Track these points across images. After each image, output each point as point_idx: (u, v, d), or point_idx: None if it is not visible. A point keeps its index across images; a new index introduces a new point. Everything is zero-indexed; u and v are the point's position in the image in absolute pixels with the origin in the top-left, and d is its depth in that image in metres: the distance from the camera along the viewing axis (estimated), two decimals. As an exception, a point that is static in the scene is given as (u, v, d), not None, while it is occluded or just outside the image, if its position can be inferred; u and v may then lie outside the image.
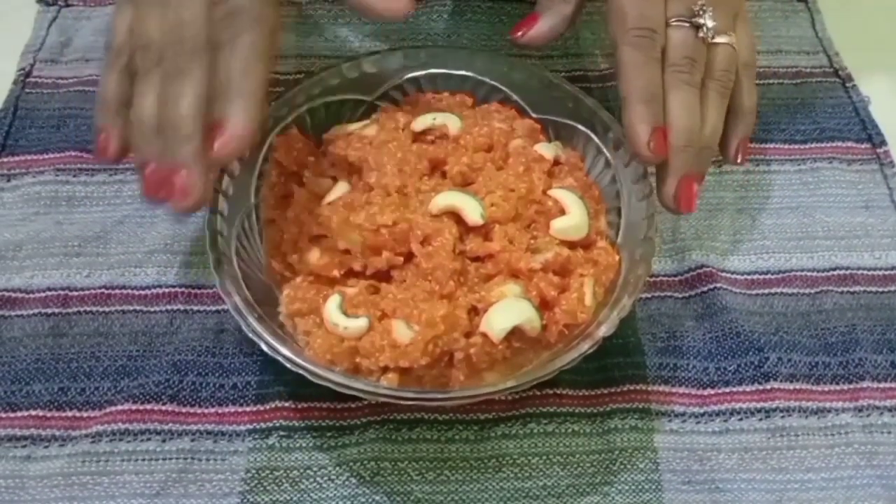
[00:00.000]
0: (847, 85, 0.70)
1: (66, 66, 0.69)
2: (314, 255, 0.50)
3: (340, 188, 0.53)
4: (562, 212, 0.51)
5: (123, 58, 0.48)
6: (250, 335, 0.46)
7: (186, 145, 0.45)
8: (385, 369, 0.47)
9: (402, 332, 0.46)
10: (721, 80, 0.53)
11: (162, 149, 0.46)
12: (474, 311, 0.48)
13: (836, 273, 0.59)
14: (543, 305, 0.48)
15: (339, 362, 0.47)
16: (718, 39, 0.52)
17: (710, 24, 0.52)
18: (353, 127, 0.56)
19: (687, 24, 0.52)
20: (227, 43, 0.46)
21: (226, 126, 0.46)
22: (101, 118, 0.50)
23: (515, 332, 0.47)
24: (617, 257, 0.52)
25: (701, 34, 0.52)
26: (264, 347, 0.46)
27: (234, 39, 0.46)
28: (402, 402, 0.46)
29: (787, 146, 0.66)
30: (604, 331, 0.47)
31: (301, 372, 0.45)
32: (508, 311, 0.47)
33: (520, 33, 0.57)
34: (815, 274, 0.59)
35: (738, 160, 0.55)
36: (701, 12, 0.52)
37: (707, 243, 0.60)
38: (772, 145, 0.66)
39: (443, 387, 0.48)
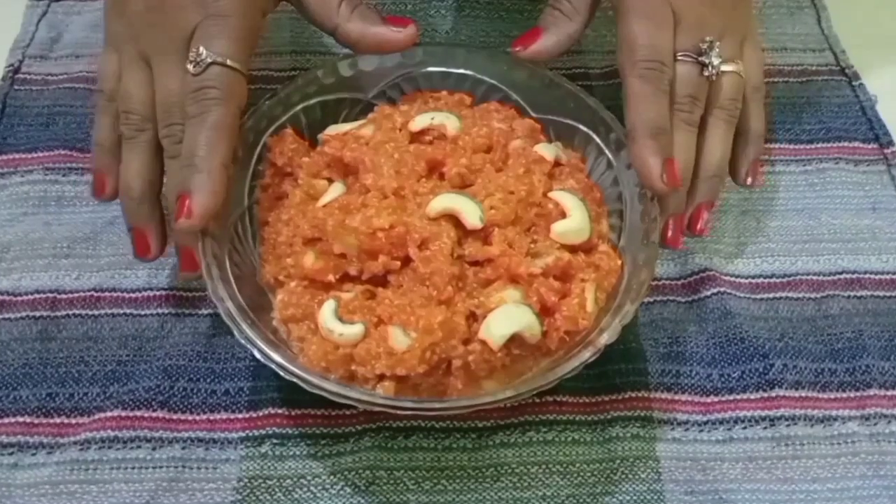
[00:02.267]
0: (854, 83, 0.69)
1: (55, 62, 0.68)
2: (309, 259, 0.49)
3: (336, 190, 0.52)
4: (563, 215, 0.51)
5: (113, 105, 0.52)
6: (243, 342, 0.45)
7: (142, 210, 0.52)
8: (381, 377, 0.46)
9: (398, 338, 0.45)
10: (728, 108, 0.54)
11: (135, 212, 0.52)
12: (473, 318, 0.47)
13: (842, 277, 0.58)
14: (544, 311, 0.48)
15: (334, 370, 0.46)
16: (725, 68, 0.53)
17: (715, 62, 0.53)
18: (349, 127, 0.55)
19: (692, 60, 0.53)
20: (195, 116, 0.49)
21: (189, 200, 0.48)
22: (96, 161, 0.53)
23: (515, 339, 0.47)
24: (619, 261, 0.51)
25: (706, 73, 0.53)
26: (257, 355, 0.45)
27: (203, 114, 0.49)
28: (398, 413, 0.46)
29: (792, 146, 0.65)
30: (606, 339, 0.46)
31: (294, 380, 0.44)
32: (508, 317, 0.46)
33: (519, 48, 0.57)
34: (820, 278, 0.58)
35: (749, 182, 0.57)
36: (707, 50, 0.53)
37: (710, 246, 0.59)
38: (777, 145, 0.65)
39: (440, 395, 0.47)
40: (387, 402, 0.44)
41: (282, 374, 0.45)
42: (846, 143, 0.65)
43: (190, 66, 0.49)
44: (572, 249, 0.50)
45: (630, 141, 0.51)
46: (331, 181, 0.53)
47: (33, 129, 0.64)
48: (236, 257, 0.50)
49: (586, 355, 0.45)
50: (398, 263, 0.48)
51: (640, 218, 0.51)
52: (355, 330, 0.46)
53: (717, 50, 0.53)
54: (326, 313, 0.47)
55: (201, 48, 0.49)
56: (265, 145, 0.55)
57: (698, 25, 0.53)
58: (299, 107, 0.56)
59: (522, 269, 0.48)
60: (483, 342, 0.46)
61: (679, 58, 0.52)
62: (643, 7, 0.52)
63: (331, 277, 0.49)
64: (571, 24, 0.56)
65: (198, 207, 0.47)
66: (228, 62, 0.49)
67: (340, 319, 0.47)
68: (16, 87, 0.66)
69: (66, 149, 0.62)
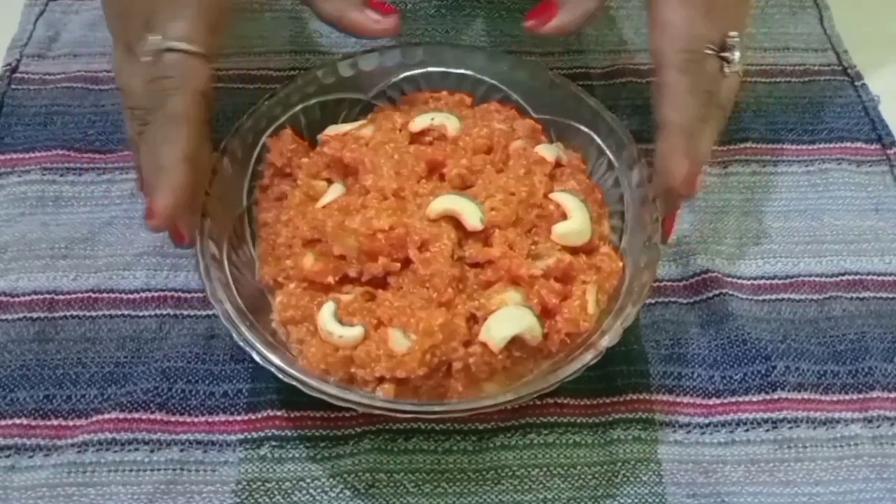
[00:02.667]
0: (856, 84, 0.69)
1: (53, 61, 0.68)
2: (308, 261, 0.49)
3: (335, 191, 0.52)
4: (563, 216, 0.51)
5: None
6: (241, 344, 0.45)
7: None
8: (381, 379, 0.46)
9: (398, 341, 0.45)
10: (724, 108, 0.52)
11: None
12: (473, 320, 0.47)
13: (845, 278, 0.58)
14: (545, 313, 0.47)
15: (334, 372, 0.46)
16: (735, 68, 0.51)
17: (736, 59, 0.50)
18: (349, 127, 0.55)
19: (715, 54, 0.50)
20: (153, 109, 0.47)
21: (151, 202, 0.47)
22: (134, 159, 0.50)
23: (516, 341, 0.47)
24: (620, 263, 0.51)
25: (725, 69, 0.51)
26: (256, 357, 0.45)
27: (159, 107, 0.47)
28: (398, 416, 0.45)
29: (794, 147, 0.65)
30: (607, 341, 0.45)
31: (294, 383, 0.44)
32: (509, 319, 0.46)
33: (532, 22, 0.54)
34: (823, 279, 0.58)
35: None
36: (732, 46, 0.50)
37: (712, 247, 0.59)
38: (779, 146, 0.65)
39: (440, 397, 0.47)
40: (386, 406, 0.44)
41: (281, 376, 0.44)
42: (849, 144, 0.65)
43: (145, 56, 0.47)
44: (573, 251, 0.50)
45: (662, 136, 0.49)
46: (330, 182, 0.53)
47: (31, 128, 0.63)
48: (235, 258, 0.50)
49: (588, 358, 0.45)
50: (398, 265, 0.48)
51: (641, 219, 0.51)
52: (355, 332, 0.46)
53: (738, 47, 0.51)
54: (326, 315, 0.47)
55: (154, 35, 0.47)
56: (264, 146, 0.54)
57: (725, 19, 0.51)
58: (299, 107, 0.56)
59: (523, 271, 0.47)
60: (484, 344, 0.46)
61: (705, 50, 0.50)
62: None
63: (330, 279, 0.48)
64: (589, 1, 0.55)
65: (158, 208, 0.46)
66: (182, 46, 0.47)
67: (340, 321, 0.46)
68: (13, 86, 0.66)
69: (63, 149, 0.62)
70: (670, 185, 0.49)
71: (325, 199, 0.51)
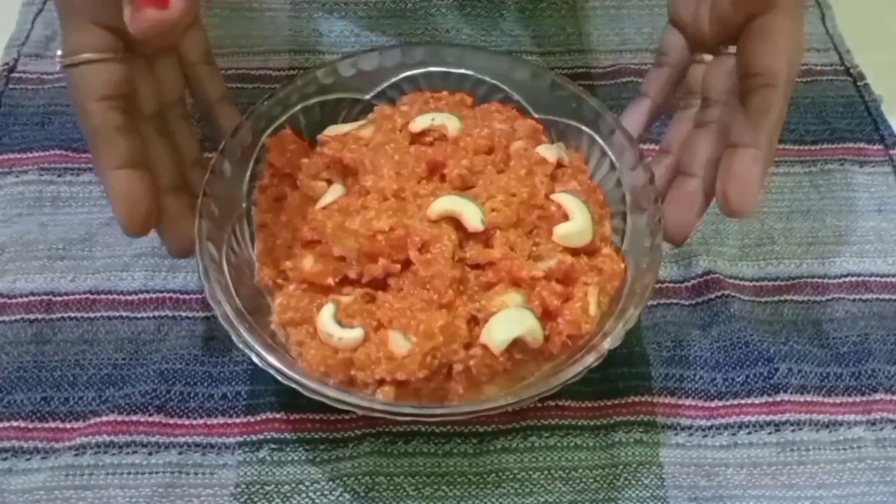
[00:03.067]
0: (859, 84, 0.68)
1: (51, 61, 0.67)
2: (308, 262, 0.49)
3: (335, 191, 0.52)
4: (565, 217, 0.50)
5: None
6: (240, 346, 0.45)
7: None
8: (381, 382, 0.45)
9: (398, 343, 0.45)
10: None
11: None
12: (474, 322, 0.47)
13: (847, 280, 0.58)
14: (546, 315, 0.47)
15: (333, 374, 0.46)
16: None
17: None
18: (349, 127, 0.55)
19: None
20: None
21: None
22: None
23: (517, 344, 0.46)
24: (622, 265, 0.50)
25: None
26: (255, 359, 0.44)
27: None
28: (398, 419, 0.45)
29: (796, 147, 0.65)
30: (609, 343, 0.45)
31: (293, 385, 0.44)
32: (510, 321, 0.46)
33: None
34: (825, 281, 0.58)
35: None
36: None
37: (714, 248, 0.59)
38: (781, 146, 0.64)
39: (441, 400, 0.47)
40: (386, 409, 0.44)
41: (280, 378, 0.44)
42: (851, 144, 0.65)
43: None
44: (575, 252, 0.49)
45: (743, 158, 0.46)
46: (330, 183, 0.53)
47: (28, 128, 0.63)
48: (234, 259, 0.50)
49: (589, 360, 0.44)
50: (398, 266, 0.48)
51: (643, 221, 0.50)
52: (355, 334, 0.46)
53: None
54: (325, 317, 0.46)
55: (58, 52, 0.46)
56: (263, 146, 0.54)
57: None
58: (298, 107, 0.55)
59: (524, 273, 0.47)
60: (484, 347, 0.45)
61: None
62: (799, 15, 0.47)
63: (330, 281, 0.48)
64: None
65: (117, 220, 0.46)
66: (69, 60, 0.46)
67: (340, 323, 0.46)
68: (11, 86, 0.66)
69: (61, 149, 0.62)
70: (735, 210, 0.46)
71: (325, 200, 0.51)
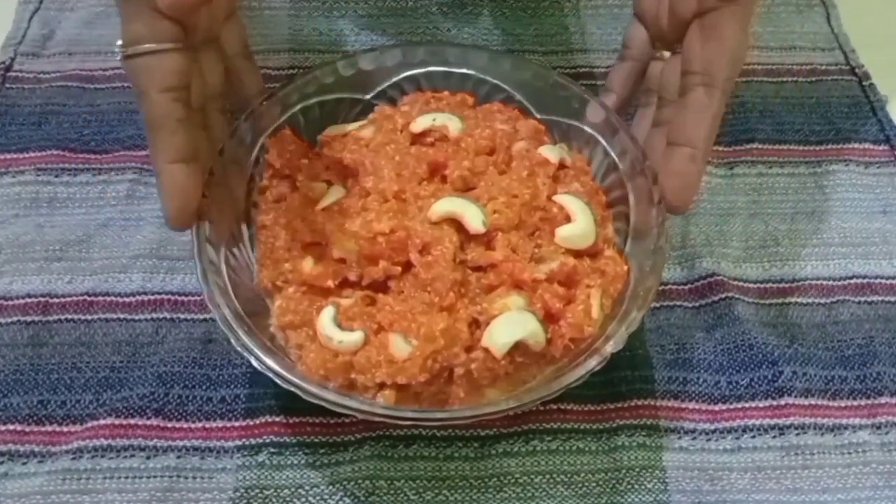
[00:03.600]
0: (864, 83, 0.68)
1: (48, 59, 0.67)
2: (307, 264, 0.48)
3: (335, 193, 0.51)
4: (567, 219, 0.50)
5: None
6: (239, 349, 0.44)
7: None
8: (381, 385, 0.45)
9: (399, 346, 0.45)
10: None
11: None
12: (475, 325, 0.46)
13: (852, 282, 0.58)
14: (548, 318, 0.47)
15: (333, 378, 0.45)
16: None
17: None
18: (349, 128, 0.54)
19: None
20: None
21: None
22: None
23: (519, 347, 0.46)
24: (625, 267, 0.50)
25: None
26: (254, 363, 0.44)
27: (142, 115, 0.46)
28: (399, 423, 0.45)
29: (801, 147, 0.64)
30: (612, 347, 0.45)
31: (293, 389, 0.43)
32: (511, 324, 0.45)
33: None
34: (830, 283, 0.58)
35: None
36: None
37: (718, 250, 0.58)
38: (785, 146, 0.64)
39: (441, 403, 0.46)
40: (387, 413, 0.43)
41: (280, 382, 0.43)
42: (856, 145, 0.64)
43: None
44: (577, 254, 0.49)
45: (679, 156, 0.48)
46: (330, 184, 0.52)
47: (25, 128, 0.63)
48: (233, 262, 0.49)
49: (592, 364, 0.44)
50: (399, 269, 0.47)
51: (646, 222, 0.50)
52: (355, 337, 0.45)
53: None
54: (325, 320, 0.46)
55: (118, 42, 0.46)
56: (263, 147, 0.54)
57: None
58: (298, 107, 0.55)
59: (526, 275, 0.47)
60: (486, 350, 0.45)
61: None
62: (745, 14, 0.48)
63: (330, 283, 0.48)
64: None
65: (164, 213, 0.46)
66: (132, 50, 0.45)
67: (340, 326, 0.46)
68: (7, 85, 0.65)
69: (58, 149, 0.61)
70: (674, 207, 0.49)
71: (325, 202, 0.51)
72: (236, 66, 0.53)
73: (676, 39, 0.50)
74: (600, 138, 0.54)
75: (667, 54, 0.52)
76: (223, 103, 0.52)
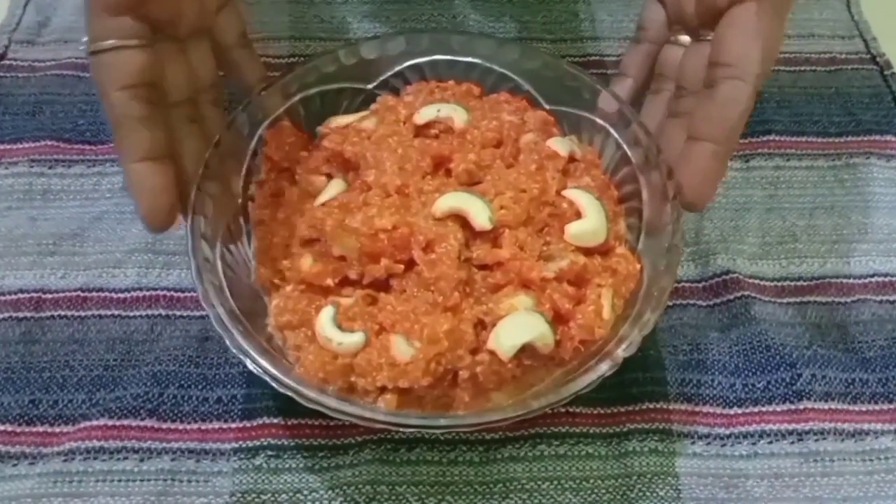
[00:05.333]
0: (885, 73, 0.66)
1: (43, 47, 0.67)
2: (306, 262, 0.47)
3: (335, 187, 0.50)
4: (577, 215, 0.49)
5: None
6: (235, 351, 0.43)
7: None
8: (383, 389, 0.44)
9: (401, 348, 0.44)
10: None
11: None
12: (481, 326, 0.45)
13: (874, 280, 0.56)
14: (557, 319, 0.46)
15: (333, 381, 0.45)
16: None
17: None
18: (350, 119, 0.53)
19: None
20: None
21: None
22: None
23: (526, 349, 0.45)
24: (638, 266, 0.49)
25: None
26: (250, 366, 0.43)
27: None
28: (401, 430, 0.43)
29: (820, 139, 0.63)
30: (624, 351, 0.43)
31: (290, 394, 0.42)
32: (519, 326, 0.44)
33: None
34: (851, 281, 0.56)
35: None
36: None
37: (733, 246, 0.57)
38: (804, 138, 0.63)
39: (445, 408, 0.45)
40: (388, 420, 0.42)
41: (276, 387, 0.43)
42: (878, 137, 0.63)
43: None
44: (587, 252, 0.48)
45: (703, 153, 0.46)
46: (330, 177, 0.52)
47: (19, 118, 0.62)
48: (229, 258, 0.48)
49: (603, 369, 0.43)
50: (401, 267, 0.46)
51: (660, 219, 0.48)
52: (355, 339, 0.44)
53: None
54: (324, 320, 0.45)
55: (83, 39, 0.45)
56: (261, 139, 0.53)
57: None
58: (297, 97, 0.54)
59: (534, 274, 0.46)
60: (492, 352, 0.44)
61: None
62: (784, 8, 0.47)
63: (329, 281, 0.47)
64: None
65: (138, 213, 0.45)
66: (95, 46, 0.44)
67: (339, 327, 0.45)
68: (1, 73, 0.65)
69: (53, 139, 0.61)
70: (691, 204, 0.47)
71: (325, 196, 0.50)
72: (233, 56, 0.52)
73: (702, 26, 0.49)
74: (612, 130, 0.53)
75: (685, 39, 0.51)
76: (217, 95, 0.51)
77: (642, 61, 0.53)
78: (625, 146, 0.52)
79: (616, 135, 0.52)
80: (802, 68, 0.67)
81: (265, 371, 0.43)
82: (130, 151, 0.45)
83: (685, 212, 0.48)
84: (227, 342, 0.43)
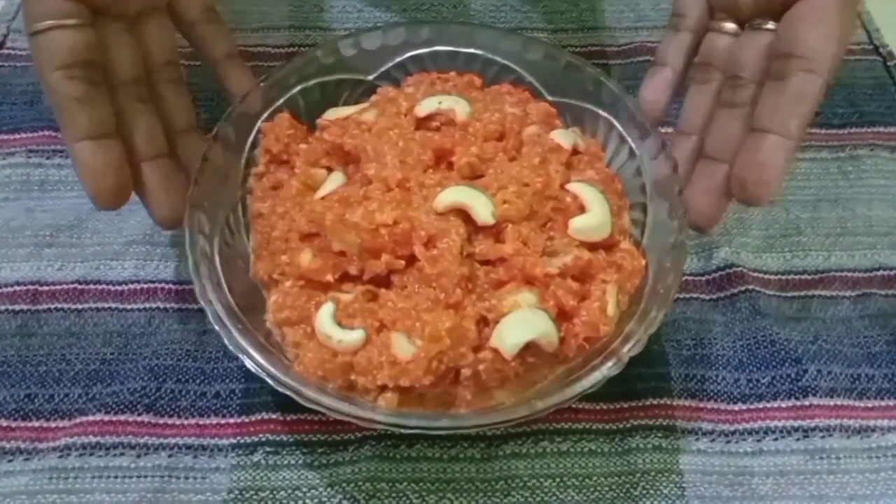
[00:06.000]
0: (888, 64, 0.66)
1: None
2: (305, 257, 0.47)
3: (335, 180, 0.50)
4: (581, 209, 0.48)
5: None
6: (232, 349, 0.43)
7: None
8: (383, 388, 0.44)
9: (402, 346, 0.43)
10: None
11: None
12: (484, 323, 0.45)
13: (879, 273, 0.56)
14: (561, 316, 0.45)
15: (332, 379, 0.44)
16: None
17: None
18: (350, 111, 0.53)
19: None
20: None
21: None
22: None
23: (530, 347, 0.44)
24: (643, 261, 0.48)
25: None
26: (248, 364, 0.42)
27: None
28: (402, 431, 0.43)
29: (823, 131, 0.63)
30: (630, 350, 0.43)
31: (288, 392, 0.42)
32: (522, 323, 0.44)
33: None
34: (856, 274, 0.56)
35: None
36: None
37: (737, 239, 0.57)
38: (807, 130, 0.60)
39: (447, 406, 0.45)
40: (388, 421, 0.42)
41: (274, 385, 0.42)
42: (881, 129, 0.63)
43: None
44: (592, 247, 0.47)
45: (769, 145, 0.44)
46: (330, 170, 0.51)
47: (17, 108, 0.62)
48: (227, 253, 0.48)
49: (608, 366, 0.42)
50: (402, 263, 0.46)
51: (666, 213, 0.48)
52: (355, 336, 0.44)
53: None
54: (324, 317, 0.44)
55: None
56: (259, 131, 0.52)
57: None
58: (297, 89, 0.53)
59: (538, 270, 0.45)
60: (495, 350, 0.44)
61: None
62: None
63: (329, 277, 0.46)
64: None
65: (87, 192, 0.45)
66: (33, 27, 0.44)
67: (339, 324, 0.44)
68: (-1, 63, 0.64)
69: (51, 129, 0.60)
70: (754, 199, 0.45)
71: (325, 190, 0.49)
72: (197, 32, 0.52)
73: (758, 14, 0.47)
74: (615, 122, 0.52)
75: (730, 27, 0.49)
76: (175, 73, 0.51)
77: (682, 50, 0.51)
78: (629, 139, 0.51)
79: (620, 127, 0.52)
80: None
81: (263, 369, 0.42)
82: (71, 132, 0.45)
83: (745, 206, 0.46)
84: (225, 339, 0.43)
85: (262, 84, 0.52)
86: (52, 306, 0.53)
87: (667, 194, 0.48)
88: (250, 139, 0.52)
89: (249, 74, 0.53)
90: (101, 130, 0.45)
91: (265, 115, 0.52)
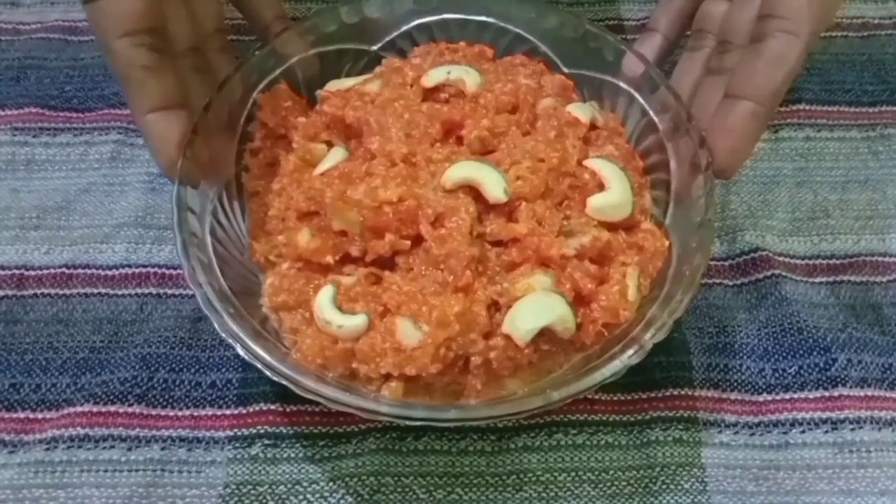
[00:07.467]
0: None
1: (28, 9, 0.65)
2: (303, 237, 0.46)
3: (336, 155, 0.49)
4: (600, 186, 0.47)
5: None
6: (224, 335, 0.41)
7: None
8: (387, 377, 0.43)
9: (407, 332, 0.42)
10: None
11: None
12: (495, 307, 0.44)
13: None
14: (578, 301, 0.44)
15: (332, 368, 0.43)
16: None
17: None
18: (353, 82, 0.52)
19: None
20: None
21: None
22: None
23: (544, 333, 0.43)
24: (666, 242, 0.47)
25: None
26: (241, 351, 0.41)
27: None
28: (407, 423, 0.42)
29: (852, 109, 0.61)
30: (653, 336, 0.41)
31: (285, 382, 0.41)
32: (537, 308, 0.43)
33: None
34: (887, 259, 0.55)
35: None
36: None
37: (762, 222, 0.56)
38: (835, 108, 0.61)
39: (456, 396, 0.44)
40: (393, 412, 0.40)
41: (269, 374, 0.41)
42: None
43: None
44: (611, 227, 0.46)
45: (740, 109, 0.44)
46: (330, 145, 0.50)
47: (2, 84, 0.61)
48: (220, 234, 0.47)
49: (629, 356, 0.41)
50: (408, 243, 0.45)
51: (690, 191, 0.46)
52: (357, 321, 0.43)
53: None
54: (323, 301, 0.43)
55: None
56: (255, 103, 0.51)
57: None
58: (295, 59, 0.52)
59: (553, 251, 0.44)
60: (507, 337, 0.43)
61: None
62: None
63: (329, 259, 0.45)
64: None
65: (159, 166, 0.45)
66: None
67: (340, 309, 0.43)
68: (-18, 37, 0.64)
69: (37, 106, 0.60)
70: (721, 170, 0.45)
71: (325, 165, 0.48)
72: None
73: None
74: (637, 95, 0.51)
75: None
76: (224, 42, 0.51)
77: (675, 16, 0.51)
78: (651, 112, 0.50)
79: (641, 100, 0.51)
80: (833, 34, 0.65)
81: (258, 357, 0.41)
82: (142, 102, 0.44)
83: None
84: (216, 325, 0.42)
85: (257, 53, 0.50)
86: (39, 292, 0.52)
87: (692, 170, 0.46)
88: (245, 112, 0.51)
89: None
90: (171, 100, 0.45)
91: (261, 87, 0.51)
